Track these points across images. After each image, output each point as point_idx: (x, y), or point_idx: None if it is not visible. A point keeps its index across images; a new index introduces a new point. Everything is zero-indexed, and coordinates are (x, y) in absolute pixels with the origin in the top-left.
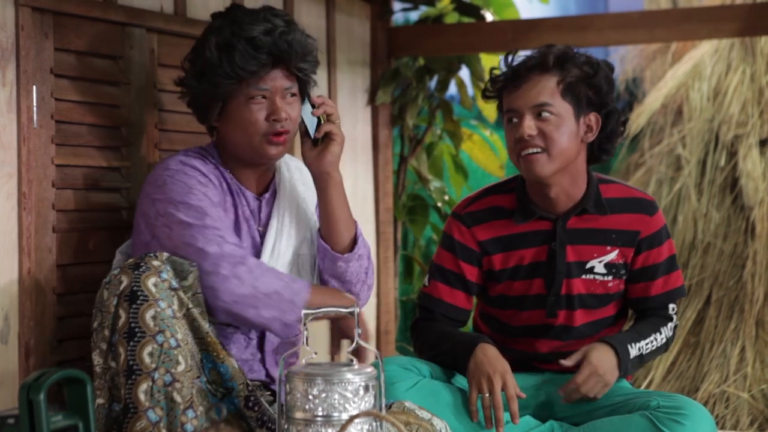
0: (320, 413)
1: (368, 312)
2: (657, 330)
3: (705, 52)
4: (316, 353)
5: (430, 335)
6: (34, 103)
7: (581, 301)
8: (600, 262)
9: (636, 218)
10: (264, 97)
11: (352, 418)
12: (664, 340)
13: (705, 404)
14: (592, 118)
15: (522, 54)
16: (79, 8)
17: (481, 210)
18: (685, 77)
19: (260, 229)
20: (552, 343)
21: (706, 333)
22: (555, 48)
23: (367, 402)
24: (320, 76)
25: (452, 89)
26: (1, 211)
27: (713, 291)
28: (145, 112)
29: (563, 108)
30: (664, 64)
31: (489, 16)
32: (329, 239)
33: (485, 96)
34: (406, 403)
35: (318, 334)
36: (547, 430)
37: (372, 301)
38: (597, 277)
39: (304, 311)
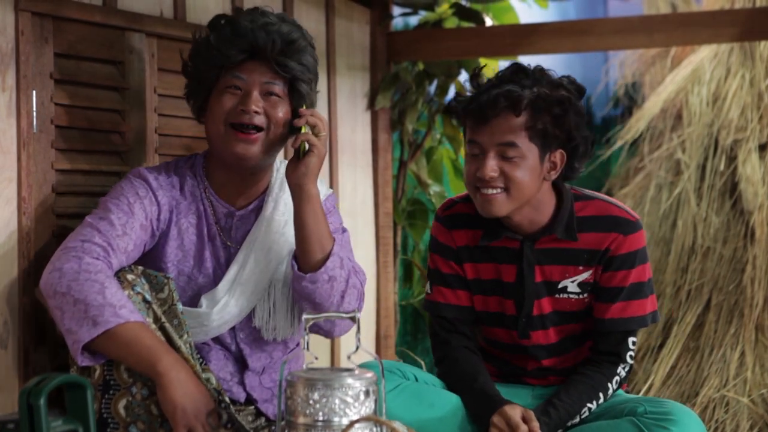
0: (321, 418)
1: (368, 316)
2: (593, 398)
3: (704, 56)
4: (317, 358)
5: (453, 376)
6: (34, 108)
7: (558, 318)
8: (573, 282)
9: (608, 237)
10: (240, 89)
11: (352, 423)
12: (607, 396)
13: (705, 409)
14: (558, 155)
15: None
16: (79, 13)
17: (459, 215)
18: (684, 82)
19: (234, 246)
20: (535, 362)
21: (706, 337)
22: (527, 91)
23: (367, 407)
24: (320, 81)
25: (452, 94)
26: (0, 215)
27: (713, 295)
28: (144, 116)
29: (529, 149)
30: (664, 68)
31: (488, 21)
32: (299, 257)
33: (447, 111)
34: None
35: (319, 337)
36: None
37: (371, 305)
38: (572, 296)
39: (304, 316)
